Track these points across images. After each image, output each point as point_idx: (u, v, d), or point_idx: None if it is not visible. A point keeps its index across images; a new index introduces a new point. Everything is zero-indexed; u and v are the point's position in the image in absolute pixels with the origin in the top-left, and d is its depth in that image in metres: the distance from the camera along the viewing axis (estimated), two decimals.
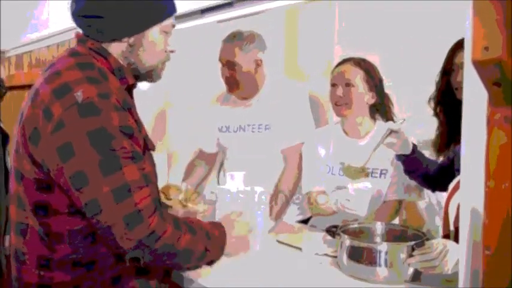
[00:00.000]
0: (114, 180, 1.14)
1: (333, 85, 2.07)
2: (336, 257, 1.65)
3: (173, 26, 1.37)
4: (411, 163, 1.86)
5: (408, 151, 1.82)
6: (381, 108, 2.10)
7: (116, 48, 1.31)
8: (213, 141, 2.49)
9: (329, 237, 1.73)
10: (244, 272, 1.58)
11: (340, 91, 2.03)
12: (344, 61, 2.10)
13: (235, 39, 2.26)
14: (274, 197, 2.21)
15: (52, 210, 1.21)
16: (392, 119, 2.09)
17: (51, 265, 1.24)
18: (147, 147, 1.33)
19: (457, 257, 1.35)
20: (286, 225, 2.17)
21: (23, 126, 1.21)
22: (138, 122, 1.30)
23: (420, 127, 2.12)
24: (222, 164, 2.63)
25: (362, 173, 1.86)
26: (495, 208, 0.80)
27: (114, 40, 1.30)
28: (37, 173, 1.20)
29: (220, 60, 2.31)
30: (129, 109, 1.25)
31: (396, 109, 2.15)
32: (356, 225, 1.73)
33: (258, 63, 2.30)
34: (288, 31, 2.86)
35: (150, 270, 1.33)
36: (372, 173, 2.02)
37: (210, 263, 1.39)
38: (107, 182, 1.13)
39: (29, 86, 1.87)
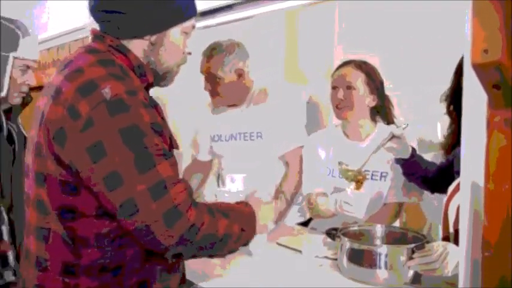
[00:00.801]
0: (149, 178, 1.10)
1: (334, 88, 2.08)
2: (336, 259, 1.65)
3: (193, 27, 1.34)
4: (410, 166, 1.87)
5: (407, 155, 1.83)
6: (382, 110, 2.10)
7: (137, 46, 1.26)
8: (205, 149, 2.51)
9: (329, 240, 1.73)
10: (245, 275, 1.58)
11: (341, 94, 2.04)
12: (345, 64, 2.10)
13: (214, 51, 2.26)
14: (275, 200, 2.21)
15: (79, 213, 1.16)
16: (393, 121, 2.10)
17: (77, 271, 1.17)
18: (172, 145, 1.29)
19: (457, 259, 1.35)
20: (286, 228, 2.17)
21: (46, 127, 1.15)
22: (163, 119, 1.27)
23: (420, 127, 2.13)
24: (219, 173, 2.62)
25: (359, 176, 1.86)
26: (495, 210, 0.80)
27: (135, 37, 1.26)
28: (63, 175, 1.14)
29: (201, 72, 2.30)
30: (155, 106, 1.22)
31: (396, 110, 2.15)
32: (356, 228, 1.73)
33: (240, 73, 2.27)
34: (288, 33, 2.87)
35: (171, 272, 1.29)
36: (372, 175, 2.02)
37: (246, 243, 1.34)
38: (142, 180, 1.09)
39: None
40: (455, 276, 1.13)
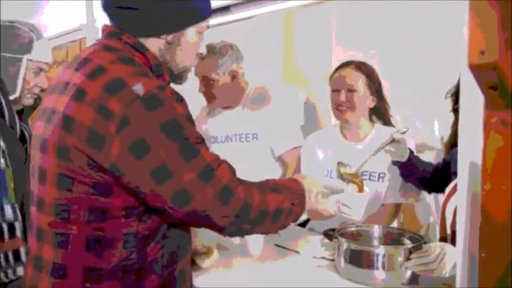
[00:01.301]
0: (197, 165, 1.11)
1: (335, 91, 2.07)
2: (333, 260, 1.65)
3: (207, 27, 1.32)
4: (407, 168, 1.88)
5: (405, 158, 1.84)
6: (379, 110, 2.11)
7: (153, 45, 1.24)
8: None
9: (327, 241, 1.73)
10: (242, 275, 1.58)
11: (343, 96, 2.03)
12: (344, 65, 2.10)
13: (208, 54, 2.23)
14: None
15: (109, 214, 1.13)
16: (389, 121, 2.10)
17: (100, 275, 1.14)
18: None
19: (454, 260, 1.35)
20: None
21: (71, 128, 1.10)
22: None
23: (417, 126, 2.13)
24: None
25: (355, 179, 1.86)
26: (492, 211, 0.81)
27: (152, 36, 1.23)
28: (98, 177, 1.10)
29: (196, 75, 2.29)
30: (181, 100, 1.19)
31: (394, 109, 2.16)
32: (354, 229, 1.73)
33: (234, 75, 2.28)
34: (285, 34, 2.87)
35: (186, 272, 1.29)
36: (370, 176, 2.03)
37: (296, 219, 1.34)
38: (191, 169, 1.10)
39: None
40: (453, 277, 1.13)
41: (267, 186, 1.27)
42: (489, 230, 0.81)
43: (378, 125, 2.11)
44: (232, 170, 1.20)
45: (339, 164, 1.87)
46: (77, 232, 1.14)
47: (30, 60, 1.79)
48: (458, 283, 0.94)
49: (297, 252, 1.80)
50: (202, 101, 2.42)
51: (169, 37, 1.24)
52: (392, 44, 2.39)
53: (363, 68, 2.05)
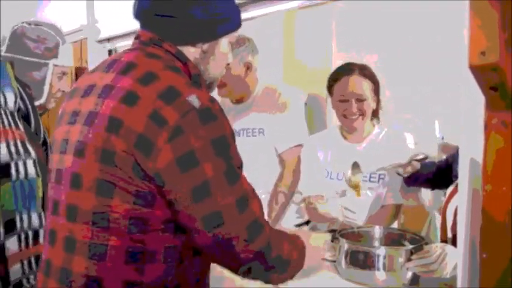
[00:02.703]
0: (237, 190, 1.07)
1: (344, 101, 2.02)
2: (334, 261, 1.64)
3: (237, 37, 1.32)
4: (413, 178, 1.87)
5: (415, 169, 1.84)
6: (377, 109, 2.10)
7: (190, 54, 1.21)
8: None
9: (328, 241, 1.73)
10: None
11: (353, 106, 2.00)
12: (347, 72, 2.04)
13: None
14: (274, 198, 2.22)
15: (149, 225, 1.07)
16: (378, 118, 2.10)
17: None
18: None
19: (455, 260, 1.35)
20: (283, 229, 2.16)
21: (119, 132, 1.05)
22: None
23: (418, 127, 2.13)
24: None
25: (358, 186, 1.85)
26: (493, 212, 0.81)
27: (188, 44, 1.20)
28: (142, 185, 1.05)
29: None
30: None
31: (394, 109, 2.16)
32: (354, 230, 1.73)
33: (248, 66, 2.30)
34: (286, 34, 2.87)
35: None
36: (370, 177, 2.03)
37: (293, 275, 1.28)
38: (231, 192, 1.06)
39: None
40: (454, 278, 1.13)
41: (281, 234, 1.24)
42: (490, 231, 0.81)
43: (378, 125, 2.11)
44: (261, 205, 1.16)
45: (354, 166, 1.82)
46: (116, 243, 1.07)
47: (56, 65, 1.76)
48: (459, 284, 0.94)
49: None
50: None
51: (205, 46, 1.22)
52: (392, 45, 2.39)
53: (366, 72, 2.03)
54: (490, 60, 0.73)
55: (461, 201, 0.96)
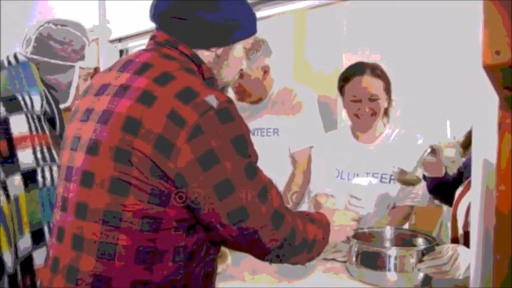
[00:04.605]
0: (257, 184, 1.10)
1: (356, 101, 2.01)
2: (345, 261, 1.64)
3: (251, 43, 1.30)
4: (439, 186, 1.80)
5: (441, 173, 1.75)
6: (388, 108, 2.09)
7: (205, 57, 1.21)
8: None
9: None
10: (253, 277, 1.58)
11: (366, 106, 1.99)
12: (358, 72, 2.03)
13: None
14: (286, 198, 2.23)
15: (162, 225, 1.08)
16: (388, 117, 2.09)
17: None
18: None
19: (468, 261, 1.34)
20: None
21: (137, 133, 1.05)
22: None
23: (430, 127, 2.12)
24: None
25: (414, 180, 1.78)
26: (506, 212, 0.80)
27: (203, 47, 1.21)
28: (158, 185, 1.05)
29: None
30: None
31: (406, 110, 2.15)
32: (365, 230, 1.72)
33: (266, 70, 2.32)
34: (297, 35, 2.87)
35: None
36: (382, 178, 2.01)
37: (320, 253, 1.32)
38: (252, 187, 1.09)
39: None
40: (466, 279, 1.12)
41: (304, 215, 1.28)
42: (504, 231, 0.80)
43: (389, 125, 2.10)
44: (280, 195, 1.19)
45: (401, 172, 1.76)
46: (126, 242, 1.07)
47: (82, 68, 1.74)
48: (471, 285, 0.93)
49: None
50: None
51: (219, 50, 1.22)
52: (405, 44, 2.38)
53: (378, 72, 2.02)
54: (505, 59, 0.72)
55: (474, 202, 0.95)
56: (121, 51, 3.03)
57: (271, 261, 1.23)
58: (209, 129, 1.04)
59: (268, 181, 1.15)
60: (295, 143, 2.33)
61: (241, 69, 1.32)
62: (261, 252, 1.16)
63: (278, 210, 1.14)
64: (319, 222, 1.31)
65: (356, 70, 2.04)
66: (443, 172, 1.75)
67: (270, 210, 1.12)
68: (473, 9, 0.85)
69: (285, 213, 1.16)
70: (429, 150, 1.68)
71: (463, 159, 1.70)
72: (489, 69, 0.76)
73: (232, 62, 1.26)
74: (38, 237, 1.54)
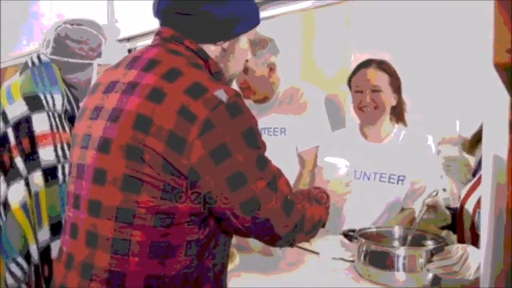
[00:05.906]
0: (267, 174, 1.13)
1: (359, 91, 2.03)
2: (353, 261, 1.64)
3: (255, 34, 1.32)
4: (455, 229, 1.74)
5: (449, 220, 1.69)
6: (398, 108, 2.08)
7: (210, 52, 1.22)
8: None
9: (346, 241, 1.72)
10: (261, 276, 1.58)
11: (367, 97, 2.00)
12: (364, 65, 2.06)
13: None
14: None
15: (175, 219, 1.09)
16: (404, 121, 2.07)
17: (162, 284, 1.10)
18: None
19: (477, 261, 1.33)
20: None
21: (148, 130, 1.05)
22: None
23: (434, 127, 2.10)
24: None
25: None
26: None
27: (209, 42, 1.21)
28: (170, 181, 1.06)
29: None
30: None
31: (415, 108, 2.14)
32: (374, 229, 1.72)
33: (271, 68, 2.32)
34: (304, 35, 2.86)
35: (226, 283, 1.28)
36: (390, 179, 2.00)
37: (324, 226, 1.36)
38: (263, 177, 1.12)
39: None
40: (477, 280, 1.11)
41: (309, 197, 1.30)
42: None
43: (398, 125, 2.09)
44: (289, 183, 1.22)
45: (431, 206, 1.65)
46: (140, 238, 1.08)
47: (100, 64, 1.77)
48: (481, 285, 0.93)
49: (316, 253, 1.79)
50: None
51: (225, 44, 1.23)
52: (414, 43, 2.37)
53: (384, 66, 2.02)
54: None
55: (484, 202, 0.94)
56: (129, 50, 3.04)
57: (281, 246, 1.28)
58: (220, 123, 1.06)
59: (277, 170, 1.18)
60: (302, 142, 2.33)
61: (247, 60, 1.33)
62: (273, 239, 1.19)
63: (288, 198, 1.17)
64: (322, 199, 1.35)
65: (363, 64, 2.07)
66: (450, 220, 1.69)
67: (281, 198, 1.15)
68: (484, 8, 0.84)
69: (294, 201, 1.19)
70: (425, 208, 1.62)
71: (474, 159, 1.68)
72: (500, 67, 0.75)
73: (239, 54, 1.27)
74: (56, 229, 1.60)
